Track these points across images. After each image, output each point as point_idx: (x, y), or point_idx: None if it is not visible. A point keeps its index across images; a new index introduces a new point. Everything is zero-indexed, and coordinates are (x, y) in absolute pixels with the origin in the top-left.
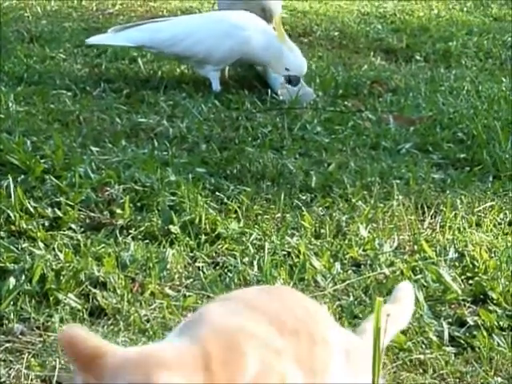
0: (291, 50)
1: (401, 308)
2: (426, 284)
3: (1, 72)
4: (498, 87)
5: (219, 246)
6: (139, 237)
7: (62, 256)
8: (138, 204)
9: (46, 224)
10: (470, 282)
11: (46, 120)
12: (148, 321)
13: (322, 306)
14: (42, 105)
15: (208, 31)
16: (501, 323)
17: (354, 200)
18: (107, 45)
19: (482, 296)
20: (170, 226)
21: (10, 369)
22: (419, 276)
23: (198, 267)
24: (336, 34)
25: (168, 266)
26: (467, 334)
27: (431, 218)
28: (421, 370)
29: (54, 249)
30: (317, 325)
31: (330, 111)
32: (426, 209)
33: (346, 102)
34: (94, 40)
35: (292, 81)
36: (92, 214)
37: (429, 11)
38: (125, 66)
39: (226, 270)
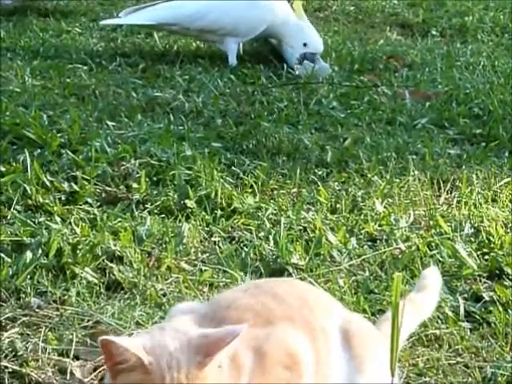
0: (309, 26)
1: (426, 297)
2: (441, 259)
3: (17, 46)
4: None
5: (235, 221)
6: (155, 211)
7: (78, 230)
8: (154, 178)
9: (63, 198)
10: (486, 257)
11: (62, 94)
12: (164, 295)
13: (324, 294)
14: (58, 79)
15: (234, 2)
16: None
17: (369, 175)
18: (126, 24)
19: (497, 271)
20: (186, 201)
21: (28, 342)
22: (435, 251)
23: (214, 242)
24: (352, 8)
25: (184, 241)
26: (483, 310)
27: (447, 194)
28: (436, 345)
29: (70, 223)
30: (314, 314)
31: (345, 86)
32: (441, 184)
33: (361, 77)
34: (109, 21)
35: (308, 57)
36: (108, 189)
37: None
38: (141, 40)
39: (241, 245)
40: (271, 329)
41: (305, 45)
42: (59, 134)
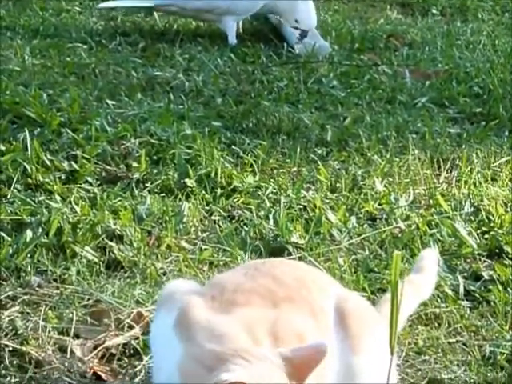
0: (306, 3)
1: (424, 278)
2: (441, 238)
3: (17, 25)
4: None
5: (235, 200)
6: (155, 190)
7: (78, 209)
8: (154, 157)
9: (63, 177)
10: (486, 236)
11: (62, 73)
12: (164, 274)
13: (320, 273)
14: (57, 58)
15: None
16: None
17: (369, 154)
18: (122, 7)
19: (497, 250)
20: (186, 180)
21: (28, 321)
22: (435, 230)
23: (214, 221)
24: None
25: (184, 220)
26: (482, 288)
27: (447, 173)
28: (436, 324)
29: (70, 202)
30: (312, 294)
31: (345, 65)
32: (441, 163)
33: (361, 56)
34: (106, 4)
35: (300, 34)
36: (108, 168)
37: None
38: (140, 19)
39: (241, 224)
40: (278, 312)
41: (296, 21)
42: (59, 113)
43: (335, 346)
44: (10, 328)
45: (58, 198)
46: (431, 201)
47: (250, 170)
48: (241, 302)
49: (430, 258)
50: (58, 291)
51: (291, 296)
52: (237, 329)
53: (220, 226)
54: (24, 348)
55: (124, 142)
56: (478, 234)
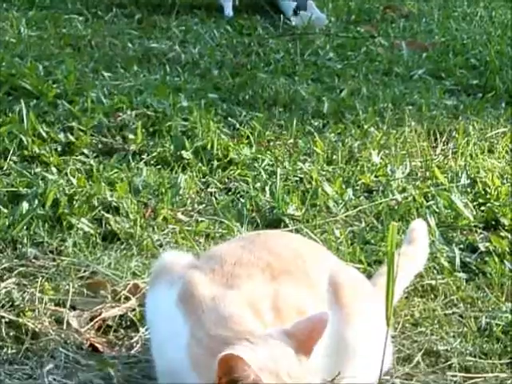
0: None
1: (417, 249)
2: (437, 210)
3: None
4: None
5: (231, 172)
6: (151, 162)
7: (74, 181)
8: (151, 129)
9: (59, 149)
10: (482, 208)
11: (58, 45)
12: (161, 245)
13: (315, 245)
14: (53, 29)
15: None
16: None
17: (366, 126)
18: None
19: (493, 222)
20: (183, 152)
21: (24, 292)
22: (431, 202)
23: (211, 193)
24: None
25: (180, 192)
26: (479, 260)
27: (443, 145)
28: (432, 296)
29: (66, 174)
30: (308, 266)
31: (342, 37)
32: (438, 135)
33: (358, 28)
34: None
35: (297, 6)
36: (104, 139)
37: None
38: None
39: (238, 196)
40: (277, 285)
41: None
42: (55, 85)
43: (330, 318)
44: (7, 299)
45: (54, 169)
46: (428, 173)
47: (247, 141)
48: (241, 276)
49: (420, 229)
50: (55, 263)
51: (289, 269)
52: (241, 307)
53: (216, 198)
54: (20, 319)
55: (120, 114)
56: (474, 206)
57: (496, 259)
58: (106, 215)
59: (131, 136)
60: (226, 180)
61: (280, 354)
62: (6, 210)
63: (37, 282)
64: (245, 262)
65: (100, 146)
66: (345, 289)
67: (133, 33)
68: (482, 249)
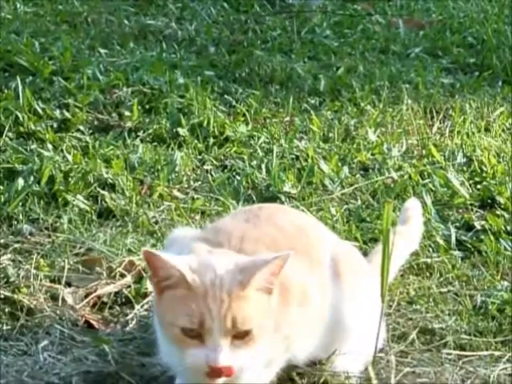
0: None
1: (412, 228)
2: (433, 188)
3: None
4: None
5: (227, 149)
6: (147, 139)
7: (70, 158)
8: (147, 106)
9: (55, 125)
10: (478, 186)
11: (54, 21)
12: (156, 222)
13: (316, 221)
14: (49, 6)
15: None
16: (508, 227)
17: (362, 104)
18: None
19: (489, 200)
20: (179, 129)
21: (20, 269)
22: (427, 180)
23: (207, 170)
24: None
25: (176, 169)
26: (474, 238)
27: (440, 123)
28: (427, 274)
29: (62, 150)
30: (311, 243)
31: (339, 15)
32: (434, 113)
33: (355, 6)
34: None
35: None
36: (100, 116)
37: None
38: None
39: (234, 173)
40: None
41: None
42: (51, 62)
43: (330, 293)
44: (2, 276)
45: (50, 146)
46: (424, 151)
47: (243, 119)
48: (248, 250)
49: (414, 208)
50: (50, 239)
51: (292, 245)
52: None
53: (212, 176)
54: (16, 296)
55: (116, 91)
56: (470, 185)
57: (491, 237)
58: (102, 192)
59: (127, 113)
60: (222, 157)
61: (221, 266)
62: (1, 187)
63: (32, 258)
64: (252, 238)
65: (96, 122)
66: (344, 265)
67: (129, 9)
68: (478, 227)
